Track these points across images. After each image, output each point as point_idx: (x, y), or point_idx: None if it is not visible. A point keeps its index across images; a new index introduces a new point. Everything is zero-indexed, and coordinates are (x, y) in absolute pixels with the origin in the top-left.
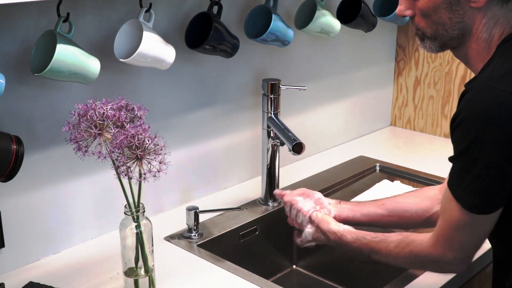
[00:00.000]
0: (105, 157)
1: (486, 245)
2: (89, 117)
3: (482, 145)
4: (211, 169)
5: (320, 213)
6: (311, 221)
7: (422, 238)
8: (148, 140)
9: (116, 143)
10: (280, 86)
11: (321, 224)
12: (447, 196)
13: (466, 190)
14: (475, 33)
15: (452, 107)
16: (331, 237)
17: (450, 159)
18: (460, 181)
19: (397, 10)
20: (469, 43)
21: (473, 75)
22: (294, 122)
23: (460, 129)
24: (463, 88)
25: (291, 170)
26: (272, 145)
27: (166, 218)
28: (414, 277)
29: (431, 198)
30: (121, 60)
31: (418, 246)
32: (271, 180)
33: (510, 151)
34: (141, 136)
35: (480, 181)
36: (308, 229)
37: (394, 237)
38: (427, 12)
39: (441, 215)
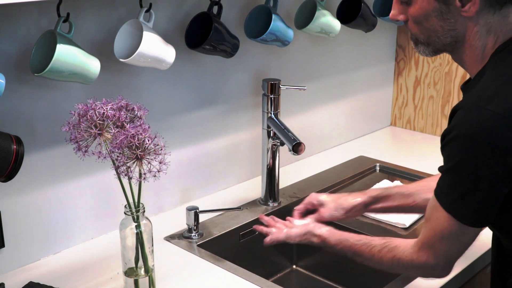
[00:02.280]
0: (105, 157)
1: (486, 245)
2: (89, 117)
3: (471, 165)
4: (211, 169)
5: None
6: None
7: (405, 244)
8: (148, 140)
9: (116, 143)
10: (280, 86)
11: (310, 231)
12: (434, 205)
13: (456, 203)
14: (468, 40)
15: (452, 107)
16: (314, 241)
17: (440, 169)
18: (449, 193)
19: (390, 14)
20: (463, 49)
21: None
22: (294, 122)
23: (451, 147)
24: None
25: (291, 170)
26: (272, 145)
27: (166, 218)
28: (414, 277)
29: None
30: (121, 60)
31: (402, 252)
32: (271, 180)
33: (500, 170)
34: (141, 136)
35: (470, 197)
36: (295, 229)
37: (377, 241)
38: (418, 19)
39: (426, 222)
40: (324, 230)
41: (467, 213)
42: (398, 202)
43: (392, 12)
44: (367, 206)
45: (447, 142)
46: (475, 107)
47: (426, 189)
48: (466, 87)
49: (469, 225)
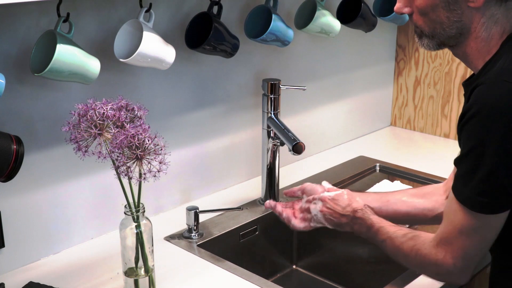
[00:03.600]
0: (105, 157)
1: None
2: (89, 117)
3: (494, 142)
4: (211, 169)
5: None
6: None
7: (427, 236)
8: (148, 140)
9: (116, 143)
10: (280, 86)
11: (337, 201)
12: (451, 198)
13: (474, 191)
14: (474, 32)
15: (452, 107)
16: (348, 210)
17: (457, 160)
18: (467, 181)
19: (395, 7)
20: (467, 42)
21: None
22: (294, 122)
23: (471, 124)
24: (463, 88)
25: (291, 170)
26: (272, 145)
27: (166, 218)
28: (414, 277)
29: (436, 199)
30: (121, 60)
31: (422, 243)
32: (271, 180)
33: None
34: (141, 136)
35: (490, 179)
36: (317, 206)
37: (405, 230)
38: (425, 11)
39: (445, 217)
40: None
41: (485, 200)
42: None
43: (397, 5)
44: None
45: (467, 120)
46: (498, 81)
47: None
48: (470, 81)
49: (486, 213)
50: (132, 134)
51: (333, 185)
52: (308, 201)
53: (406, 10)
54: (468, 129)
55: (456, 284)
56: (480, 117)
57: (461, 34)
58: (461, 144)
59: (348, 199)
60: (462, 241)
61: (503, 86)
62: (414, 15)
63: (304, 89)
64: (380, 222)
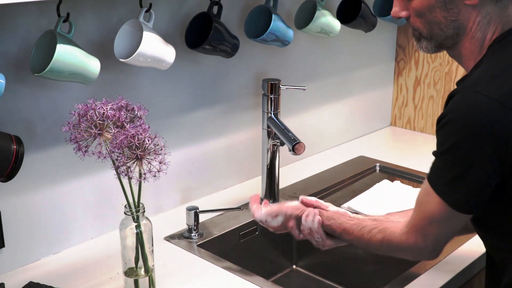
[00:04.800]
0: (105, 157)
1: None
2: (89, 117)
3: (464, 148)
4: (211, 169)
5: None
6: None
7: (395, 226)
8: (148, 140)
9: (116, 143)
10: (280, 86)
11: (298, 208)
12: (425, 188)
13: (448, 186)
14: (470, 32)
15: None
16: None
17: (434, 153)
18: (441, 177)
19: (392, 12)
20: (463, 43)
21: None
22: (294, 122)
23: (445, 130)
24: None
25: (291, 170)
26: (272, 145)
27: (166, 218)
28: (414, 277)
29: None
30: (121, 60)
31: (391, 233)
32: (271, 180)
33: (492, 156)
34: (141, 136)
35: (461, 181)
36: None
37: (368, 222)
38: (422, 12)
39: (417, 205)
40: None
41: (458, 198)
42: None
43: (394, 9)
44: None
45: (442, 126)
46: (471, 92)
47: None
48: (462, 80)
49: (459, 211)
50: (132, 134)
51: (333, 185)
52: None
53: (403, 13)
54: (442, 134)
55: (428, 260)
56: (452, 125)
57: (458, 34)
58: (436, 143)
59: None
60: (433, 229)
61: (475, 98)
62: (411, 18)
63: (304, 89)
64: (340, 225)
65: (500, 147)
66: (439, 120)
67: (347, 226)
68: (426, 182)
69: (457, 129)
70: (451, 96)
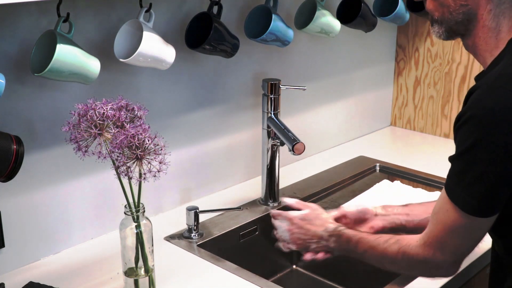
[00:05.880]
0: (105, 157)
1: (486, 245)
2: (89, 117)
3: (486, 145)
4: (211, 169)
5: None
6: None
7: (412, 237)
8: (148, 140)
9: (116, 143)
10: (280, 86)
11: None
12: (443, 197)
13: (466, 192)
14: (481, 20)
15: (452, 107)
16: (318, 226)
17: (451, 158)
18: (459, 181)
19: None
20: (476, 31)
21: (475, 73)
22: (294, 122)
23: (466, 128)
24: (463, 88)
25: (291, 170)
26: (272, 145)
27: (166, 218)
28: (414, 277)
29: None
30: (121, 60)
31: (407, 245)
32: (271, 180)
33: None
34: (141, 136)
35: (481, 182)
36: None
37: (386, 234)
38: None
39: (434, 216)
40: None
41: (475, 202)
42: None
43: None
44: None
45: (462, 124)
46: (494, 87)
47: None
48: (480, 76)
49: (477, 216)
50: (132, 134)
51: (333, 185)
52: (273, 217)
53: None
54: (462, 132)
55: (445, 277)
56: (474, 122)
57: (469, 21)
58: (456, 143)
59: (324, 219)
60: (452, 240)
61: (498, 93)
62: (427, 0)
63: (304, 89)
64: (357, 234)
65: None
66: (458, 118)
67: (363, 235)
68: (443, 190)
69: (478, 126)
70: (471, 92)
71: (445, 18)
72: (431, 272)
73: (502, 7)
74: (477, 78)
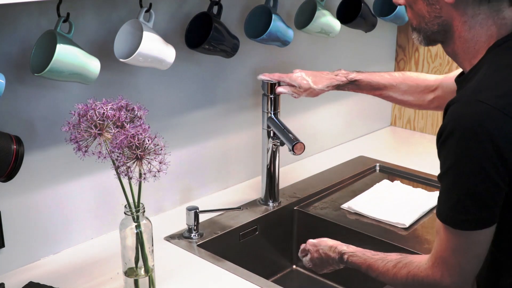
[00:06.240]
0: (105, 157)
1: None
2: (89, 117)
3: (469, 158)
4: (211, 169)
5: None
6: (305, 249)
7: (420, 260)
8: (148, 140)
9: (116, 143)
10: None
11: (320, 243)
12: (439, 221)
13: (454, 208)
14: (457, 31)
15: None
16: (330, 254)
17: (438, 177)
18: (447, 199)
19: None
20: (453, 40)
21: None
22: (294, 122)
23: (448, 144)
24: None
25: (291, 170)
26: (272, 145)
27: (166, 218)
28: None
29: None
30: (121, 60)
31: (417, 267)
32: (271, 180)
33: (499, 165)
34: (141, 136)
35: (468, 196)
36: (306, 257)
37: (393, 256)
38: (410, 2)
39: (437, 235)
40: (340, 243)
41: (469, 217)
42: (366, 92)
43: None
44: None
45: (444, 140)
46: (472, 100)
47: (395, 87)
48: (460, 80)
49: (471, 229)
50: (132, 134)
51: (333, 185)
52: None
53: (401, 1)
54: (445, 148)
55: None
56: (455, 137)
57: (445, 31)
58: (440, 161)
59: (330, 243)
60: (456, 259)
61: (477, 107)
62: (407, 8)
63: None
64: (365, 260)
65: (505, 154)
66: (440, 134)
67: (371, 262)
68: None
69: (461, 139)
70: (449, 105)
71: (421, 27)
72: None
73: (478, 18)
74: (457, 80)
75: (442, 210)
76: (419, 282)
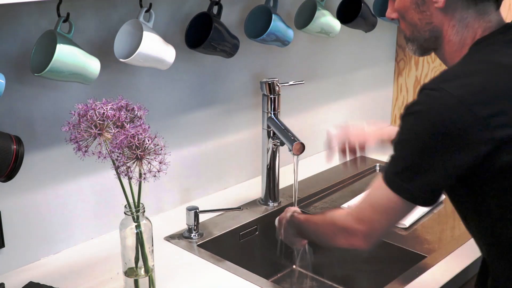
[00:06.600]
0: (105, 157)
1: None
2: (89, 117)
3: (420, 142)
4: (211, 169)
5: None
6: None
7: (343, 209)
8: (148, 140)
9: (116, 143)
10: (278, 84)
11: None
12: (379, 177)
13: (401, 176)
14: (446, 35)
15: None
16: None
17: (393, 142)
18: (396, 165)
19: (386, 13)
20: (444, 45)
21: None
22: (294, 122)
23: (406, 120)
24: None
25: (291, 170)
26: (272, 145)
27: (166, 218)
28: (414, 277)
29: None
30: (121, 60)
31: (338, 214)
32: (271, 180)
33: (447, 154)
34: (141, 136)
35: (418, 173)
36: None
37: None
38: (402, 13)
39: (367, 191)
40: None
41: (407, 187)
42: None
43: (387, 11)
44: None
45: (407, 114)
46: (435, 87)
47: None
48: None
49: (408, 200)
50: (132, 134)
51: (333, 185)
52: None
53: (394, 15)
54: (402, 123)
55: (359, 248)
56: (411, 118)
57: (436, 37)
58: (398, 131)
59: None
60: (372, 214)
61: (437, 93)
62: (400, 20)
63: (302, 83)
64: (304, 218)
65: (456, 144)
66: (407, 107)
67: (308, 216)
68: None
69: (418, 121)
70: (422, 88)
71: (415, 36)
72: (348, 240)
73: (465, 21)
74: None
75: (389, 171)
76: (332, 225)
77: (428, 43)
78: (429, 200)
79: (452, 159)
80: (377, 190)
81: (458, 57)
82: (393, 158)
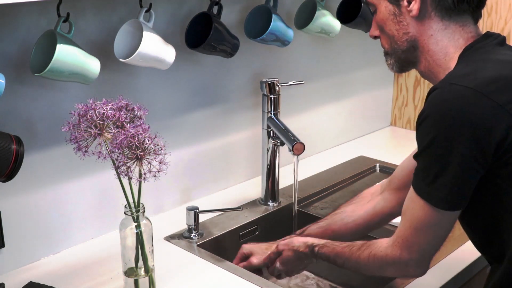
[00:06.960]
0: (105, 157)
1: None
2: (89, 117)
3: (444, 141)
4: (211, 169)
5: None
6: (270, 256)
7: (382, 241)
8: (148, 140)
9: (116, 143)
10: (278, 84)
11: (293, 241)
12: (410, 196)
13: (431, 186)
14: (425, 45)
15: None
16: (303, 249)
17: (415, 156)
18: (424, 177)
19: (369, 33)
20: (424, 56)
21: None
22: (294, 122)
23: (423, 127)
24: None
25: (291, 170)
26: (272, 145)
27: (166, 218)
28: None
29: (371, 199)
30: (121, 60)
31: (378, 247)
32: (271, 180)
33: (473, 144)
34: (141, 136)
35: (444, 176)
36: (275, 265)
37: (358, 242)
38: (381, 26)
39: (402, 216)
40: (309, 238)
41: (442, 195)
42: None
43: (370, 30)
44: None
45: (420, 123)
46: (447, 85)
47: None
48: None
49: (445, 209)
50: (132, 134)
51: (333, 185)
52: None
53: (377, 32)
54: (421, 130)
55: (415, 277)
56: (429, 121)
57: (414, 48)
58: (417, 143)
59: (302, 239)
60: (418, 237)
61: (451, 89)
62: (380, 36)
63: (302, 83)
64: (333, 250)
65: (478, 133)
66: (419, 117)
67: (339, 250)
68: (411, 189)
69: (434, 122)
70: (430, 92)
71: (393, 49)
72: (401, 271)
73: (445, 32)
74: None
75: (420, 186)
76: (379, 261)
77: (406, 55)
78: (461, 202)
79: (477, 148)
80: (414, 209)
81: (445, 66)
82: (420, 170)
